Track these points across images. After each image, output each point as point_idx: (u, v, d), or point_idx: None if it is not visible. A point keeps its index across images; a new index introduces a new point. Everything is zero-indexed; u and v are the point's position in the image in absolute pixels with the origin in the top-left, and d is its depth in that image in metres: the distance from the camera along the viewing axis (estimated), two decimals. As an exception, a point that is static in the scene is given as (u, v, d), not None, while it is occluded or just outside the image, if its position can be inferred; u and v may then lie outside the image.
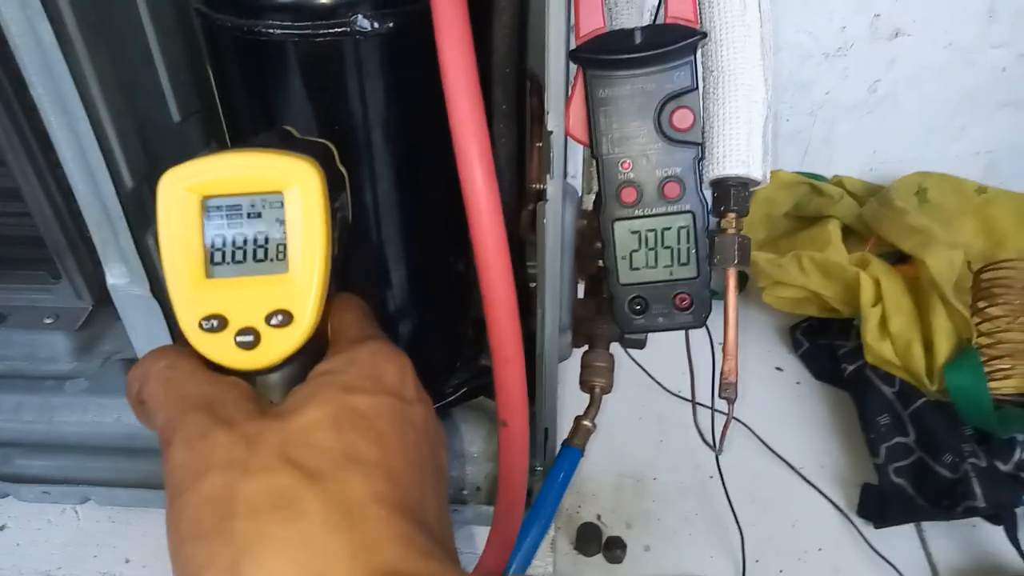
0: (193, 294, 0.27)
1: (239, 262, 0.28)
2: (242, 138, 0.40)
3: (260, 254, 0.28)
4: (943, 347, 0.62)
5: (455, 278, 0.49)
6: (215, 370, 0.28)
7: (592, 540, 0.56)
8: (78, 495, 0.52)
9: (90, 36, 0.31)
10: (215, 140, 0.46)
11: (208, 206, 0.27)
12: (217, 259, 0.28)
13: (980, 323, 0.63)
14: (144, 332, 0.38)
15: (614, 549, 0.55)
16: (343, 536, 0.22)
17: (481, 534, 0.52)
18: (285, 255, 0.28)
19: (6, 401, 0.58)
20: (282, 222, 0.27)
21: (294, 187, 0.27)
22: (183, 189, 0.27)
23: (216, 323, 0.27)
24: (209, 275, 0.28)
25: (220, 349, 0.27)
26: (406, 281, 0.45)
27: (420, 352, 0.50)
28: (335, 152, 0.33)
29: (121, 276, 0.36)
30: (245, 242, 0.28)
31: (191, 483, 0.24)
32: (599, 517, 0.58)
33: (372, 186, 0.40)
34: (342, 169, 0.33)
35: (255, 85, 0.36)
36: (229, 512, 0.23)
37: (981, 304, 0.66)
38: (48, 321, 0.63)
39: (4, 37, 0.50)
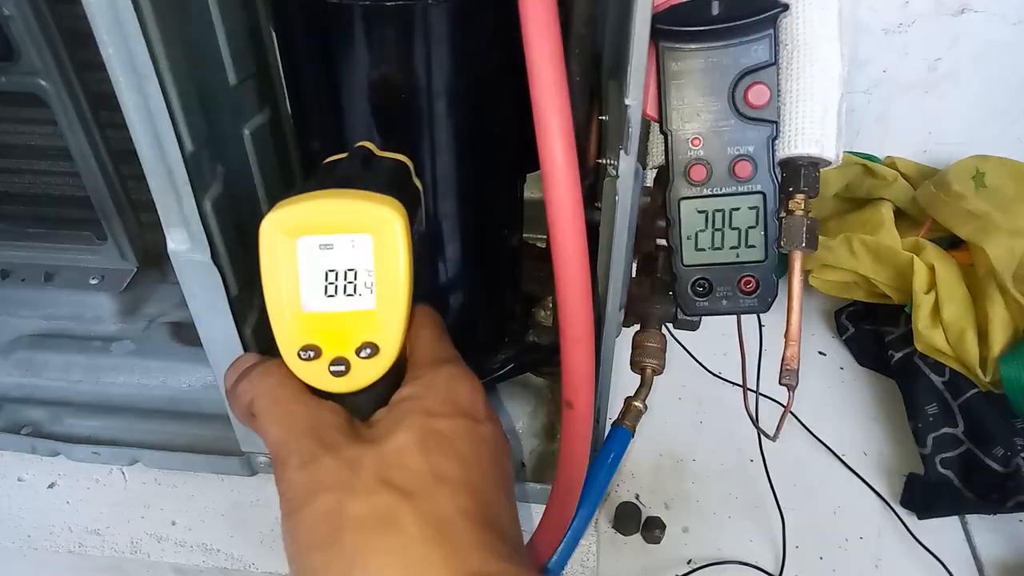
0: (292, 326, 0.30)
1: (331, 296, 0.30)
2: (303, 103, 0.40)
3: (350, 289, 0.30)
4: (999, 337, 0.60)
5: (507, 253, 0.48)
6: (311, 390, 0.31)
7: (631, 519, 0.56)
8: (127, 457, 0.53)
9: (156, -4, 0.31)
10: (269, 105, 0.45)
11: (303, 247, 0.30)
12: (312, 294, 0.30)
13: (1037, 314, 0.61)
14: (203, 298, 0.38)
15: (653, 529, 0.55)
16: (436, 546, 0.26)
17: (526, 510, 0.52)
18: (372, 291, 0.30)
19: (55, 360, 0.58)
20: (370, 261, 0.30)
21: (381, 231, 0.30)
22: (281, 232, 0.30)
23: (312, 353, 0.30)
24: (305, 308, 0.31)
25: (316, 376, 0.31)
26: (460, 255, 0.44)
27: (469, 327, 0.50)
28: (411, 168, 0.34)
29: (182, 241, 0.35)
30: (337, 278, 0.31)
31: (306, 500, 0.28)
32: (638, 497, 0.58)
33: (432, 157, 0.39)
34: (418, 184, 0.35)
35: (320, 50, 0.35)
36: (339, 526, 0.27)
37: (1039, 295, 0.64)
38: (94, 281, 0.63)
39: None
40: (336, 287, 0.30)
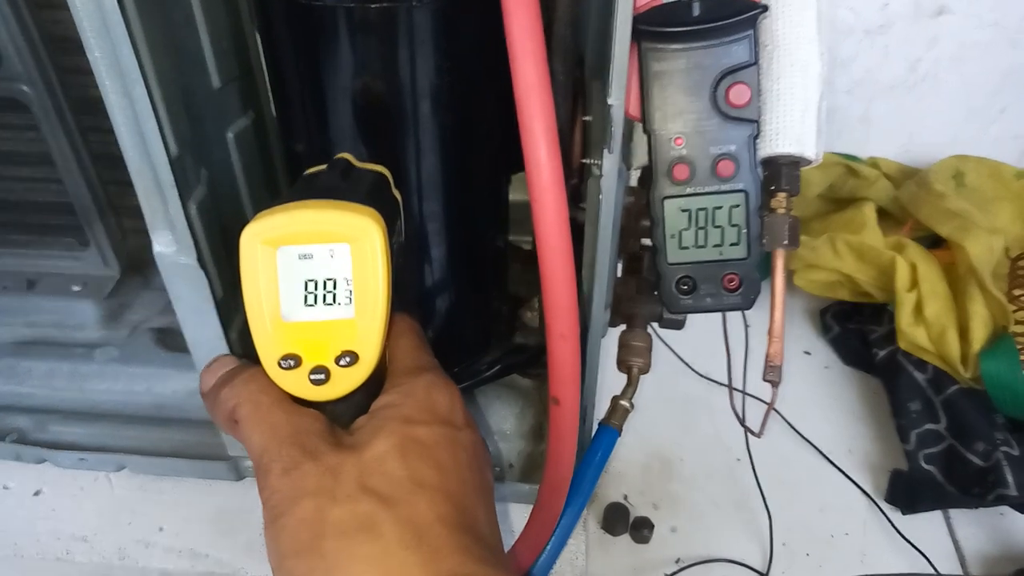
0: (272, 335, 0.31)
1: (311, 306, 0.31)
2: (287, 106, 0.40)
3: (329, 299, 0.31)
4: (979, 334, 0.61)
5: (494, 255, 0.48)
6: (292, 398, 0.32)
7: (619, 520, 0.56)
8: (114, 463, 0.52)
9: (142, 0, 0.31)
10: (252, 108, 0.45)
11: (283, 257, 0.30)
12: (292, 304, 0.31)
13: (1016, 311, 0.62)
14: (189, 301, 0.38)
15: (641, 529, 0.55)
16: (415, 552, 0.27)
17: (515, 510, 0.52)
18: (351, 300, 0.30)
19: (38, 367, 0.58)
20: (348, 271, 0.30)
21: (359, 240, 0.30)
22: (261, 243, 0.30)
23: (293, 362, 0.31)
24: (285, 318, 0.31)
25: (296, 384, 0.31)
26: (446, 257, 0.44)
27: (456, 329, 0.50)
28: (390, 179, 0.35)
29: (168, 244, 0.35)
30: (316, 287, 0.31)
31: (288, 507, 0.28)
32: (626, 497, 0.58)
33: (417, 159, 0.39)
34: (396, 195, 0.35)
35: (304, 53, 0.35)
36: (321, 533, 0.27)
37: (1017, 292, 0.65)
38: (76, 288, 0.63)
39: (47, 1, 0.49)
40: (315, 296, 0.31)
